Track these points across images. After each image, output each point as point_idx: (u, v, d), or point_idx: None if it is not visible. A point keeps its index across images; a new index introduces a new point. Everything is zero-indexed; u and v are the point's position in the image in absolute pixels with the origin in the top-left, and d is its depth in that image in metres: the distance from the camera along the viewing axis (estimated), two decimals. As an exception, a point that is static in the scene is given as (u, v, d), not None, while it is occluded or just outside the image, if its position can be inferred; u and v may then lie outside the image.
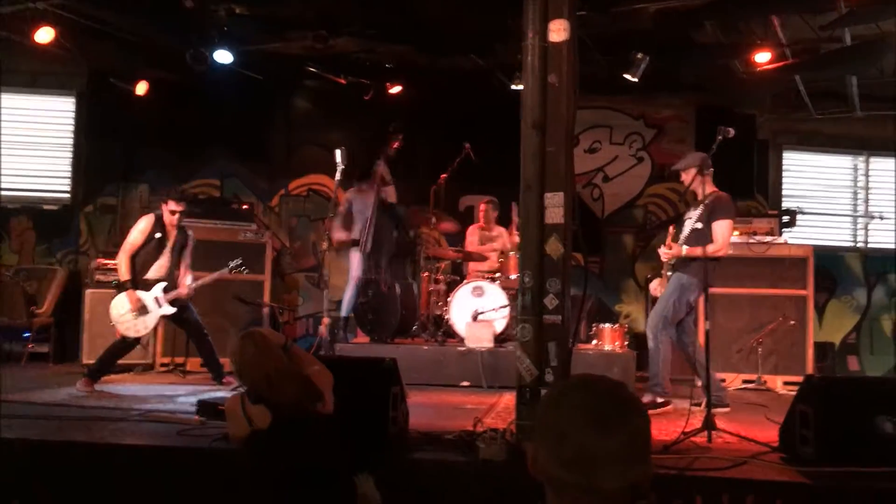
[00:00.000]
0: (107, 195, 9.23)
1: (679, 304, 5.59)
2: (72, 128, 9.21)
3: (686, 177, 5.61)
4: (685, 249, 5.53)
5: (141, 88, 8.55)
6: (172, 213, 6.44)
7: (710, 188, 5.61)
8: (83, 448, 3.94)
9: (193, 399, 5.12)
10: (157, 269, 6.41)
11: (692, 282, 5.55)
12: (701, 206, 5.59)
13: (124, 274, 6.31)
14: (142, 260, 6.39)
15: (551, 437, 1.44)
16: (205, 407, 4.70)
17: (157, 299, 6.33)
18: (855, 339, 9.49)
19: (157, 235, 6.43)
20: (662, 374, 5.62)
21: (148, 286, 6.33)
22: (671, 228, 5.75)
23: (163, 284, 6.37)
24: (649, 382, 5.62)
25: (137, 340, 6.38)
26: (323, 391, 3.25)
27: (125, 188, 9.28)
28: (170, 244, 6.48)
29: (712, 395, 5.36)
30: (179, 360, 7.16)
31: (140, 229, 6.43)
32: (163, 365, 7.33)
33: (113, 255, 7.65)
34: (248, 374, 3.26)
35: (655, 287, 5.83)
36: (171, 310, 6.37)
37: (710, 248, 5.39)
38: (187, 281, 6.50)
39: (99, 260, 7.55)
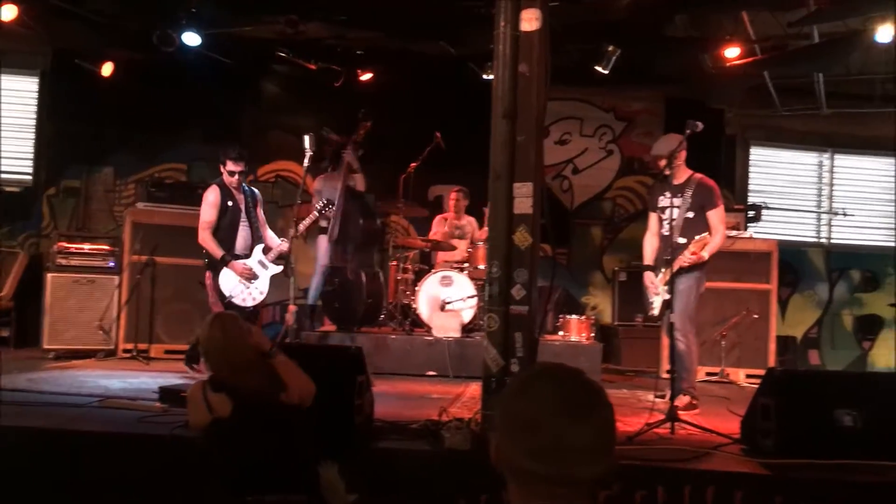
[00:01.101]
0: (70, 178, 9.06)
1: (697, 297, 5.54)
2: (35, 108, 9.01)
3: (665, 162, 5.49)
4: (706, 254, 5.35)
5: (107, 69, 8.38)
6: (231, 174, 6.12)
7: (687, 171, 5.57)
8: (41, 434, 3.87)
9: (156, 386, 5.04)
10: (243, 241, 6.18)
11: (703, 273, 5.53)
12: (688, 193, 5.47)
13: (216, 251, 6.04)
14: (224, 234, 6.11)
15: (520, 429, 1.41)
16: (167, 394, 4.64)
17: (260, 262, 6.15)
18: (817, 333, 9.65)
19: (230, 204, 6.13)
20: (694, 374, 5.58)
21: (239, 259, 6.12)
22: (704, 237, 5.33)
23: (261, 246, 6.18)
24: (684, 384, 5.36)
25: (256, 310, 6.19)
26: (288, 383, 3.18)
27: (89, 171, 9.11)
28: (242, 209, 6.17)
29: (688, 390, 5.40)
30: (143, 346, 7.06)
31: (210, 203, 6.13)
32: (125, 351, 7.21)
33: (76, 240, 7.53)
34: (213, 357, 3.20)
35: (653, 282, 5.61)
36: (278, 268, 6.20)
37: (718, 240, 5.43)
38: (277, 241, 6.27)
39: (61, 244, 7.39)
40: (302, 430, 3.10)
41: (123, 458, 3.73)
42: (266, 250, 6.19)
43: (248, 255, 6.15)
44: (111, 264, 7.41)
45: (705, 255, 5.33)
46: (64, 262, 7.32)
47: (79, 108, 8.69)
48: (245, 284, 6.05)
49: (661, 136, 5.54)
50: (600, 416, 1.41)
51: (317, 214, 6.53)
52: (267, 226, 6.45)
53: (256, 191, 6.45)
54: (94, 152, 9.10)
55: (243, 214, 6.19)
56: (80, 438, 3.87)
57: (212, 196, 6.15)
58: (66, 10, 7.65)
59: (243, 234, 6.19)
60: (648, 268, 5.71)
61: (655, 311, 5.64)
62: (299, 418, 3.07)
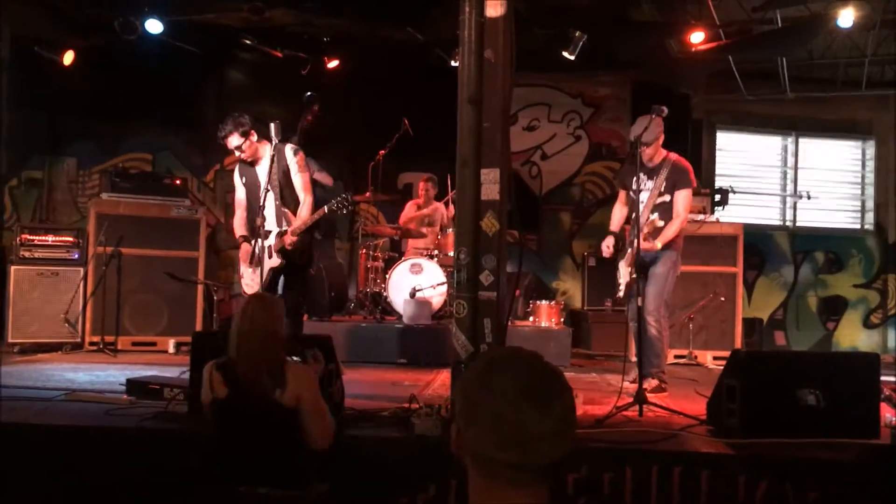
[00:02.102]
0: (32, 168, 8.90)
1: (673, 280, 5.47)
2: (-7, 98, 8.84)
3: (655, 147, 5.37)
4: (659, 244, 5.23)
5: (67, 58, 8.23)
6: (238, 149, 5.29)
7: (662, 152, 5.46)
8: (6, 428, 3.81)
9: (123, 378, 4.98)
10: (269, 216, 5.28)
11: (678, 256, 5.46)
12: (663, 175, 5.37)
13: (235, 230, 5.48)
14: (252, 214, 5.32)
15: (484, 418, 1.41)
16: (134, 386, 4.59)
17: (269, 248, 5.26)
18: (782, 314, 9.80)
19: (244, 180, 5.43)
20: (664, 358, 5.54)
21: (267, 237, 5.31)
22: (654, 220, 5.22)
23: (277, 231, 5.30)
24: (653, 369, 5.35)
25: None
26: (290, 382, 3.08)
27: (51, 161, 8.97)
28: (266, 181, 5.16)
29: (658, 373, 5.42)
30: (109, 338, 6.97)
31: (234, 181, 5.52)
32: (92, 343, 7.11)
33: (39, 232, 7.40)
34: (230, 335, 3.10)
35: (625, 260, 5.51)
36: (276, 261, 5.25)
37: (678, 224, 5.33)
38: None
39: (24, 236, 7.25)
40: (289, 435, 3.04)
41: (91, 451, 3.69)
42: (281, 235, 5.29)
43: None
44: (76, 256, 7.30)
45: (658, 244, 5.23)
46: (27, 254, 7.19)
47: (39, 98, 8.52)
48: (252, 270, 5.29)
49: (638, 119, 5.33)
50: (561, 401, 1.43)
51: (325, 211, 5.27)
52: (300, 197, 5.35)
53: (288, 155, 5.37)
54: (55, 142, 8.97)
55: (269, 189, 5.20)
56: (46, 432, 3.83)
57: (235, 174, 5.59)
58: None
59: (269, 211, 5.30)
60: (611, 234, 5.63)
61: (621, 293, 5.64)
62: (293, 419, 3.01)
